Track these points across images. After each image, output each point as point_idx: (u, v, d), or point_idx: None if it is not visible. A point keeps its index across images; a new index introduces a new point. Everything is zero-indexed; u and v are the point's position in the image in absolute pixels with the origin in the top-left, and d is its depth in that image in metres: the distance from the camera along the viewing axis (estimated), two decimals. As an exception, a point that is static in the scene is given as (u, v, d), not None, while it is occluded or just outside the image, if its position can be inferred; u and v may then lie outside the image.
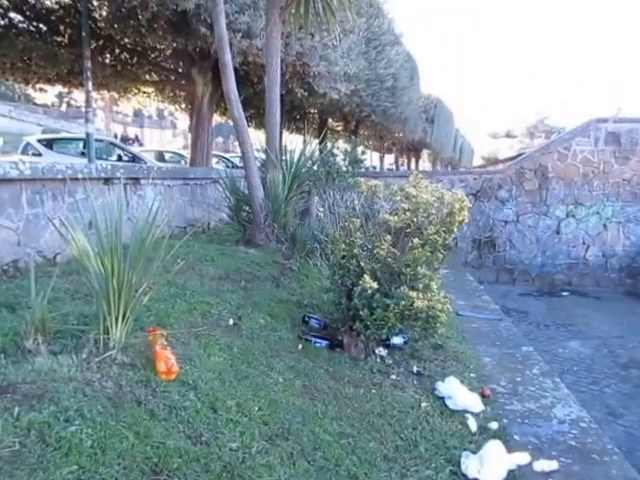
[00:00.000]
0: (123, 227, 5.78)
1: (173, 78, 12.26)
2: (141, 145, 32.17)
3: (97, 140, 11.23)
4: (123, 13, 7.68)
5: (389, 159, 35.16)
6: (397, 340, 4.77)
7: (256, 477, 2.22)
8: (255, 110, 14.85)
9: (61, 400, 2.17)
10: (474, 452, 2.96)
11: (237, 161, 18.78)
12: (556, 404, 3.81)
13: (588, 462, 3.04)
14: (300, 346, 4.15)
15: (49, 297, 3.46)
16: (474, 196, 14.08)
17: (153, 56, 11.16)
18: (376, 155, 28.35)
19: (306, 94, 11.46)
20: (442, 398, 3.70)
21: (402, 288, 4.11)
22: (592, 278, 13.81)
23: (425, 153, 35.52)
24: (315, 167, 5.56)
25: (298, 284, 5.83)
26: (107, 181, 5.09)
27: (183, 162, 16.49)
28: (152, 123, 51.08)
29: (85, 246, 2.81)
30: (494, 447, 2.86)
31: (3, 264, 3.83)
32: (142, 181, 5.80)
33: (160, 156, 17.88)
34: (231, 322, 4.04)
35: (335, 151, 6.02)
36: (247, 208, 6.87)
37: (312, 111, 17.10)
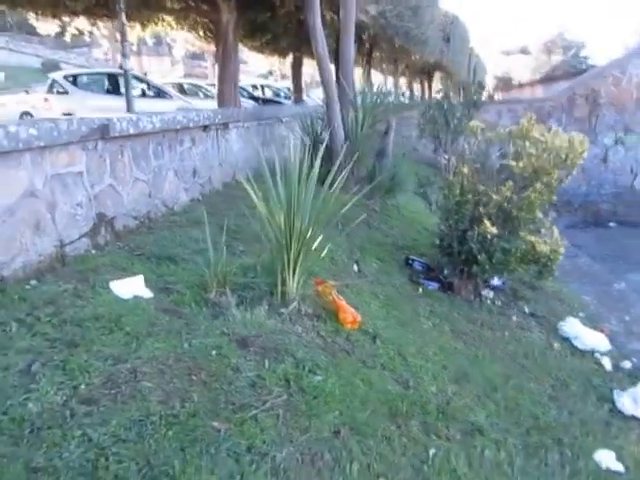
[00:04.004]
0: (216, 172, 5.79)
1: (193, 4, 11.64)
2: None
3: (120, 75, 10.66)
4: None
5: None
6: (497, 282, 4.94)
7: (464, 417, 2.45)
8: (271, 35, 14.23)
9: (294, 352, 2.36)
10: (621, 390, 3.17)
11: (250, 90, 17.86)
12: (675, 343, 4.00)
13: None
14: (420, 290, 4.32)
15: (196, 249, 3.64)
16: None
17: (173, -19, 10.56)
18: (390, 80, 27.35)
19: (335, 17, 10.89)
20: (568, 338, 3.90)
21: (522, 233, 4.21)
22: (638, 207, 13.68)
23: (437, 76, 33.99)
24: (431, 111, 5.47)
25: (386, 225, 5.94)
26: (206, 128, 5.09)
27: (201, 94, 15.58)
28: (149, 51, 48.08)
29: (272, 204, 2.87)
30: (648, 386, 3.07)
31: (140, 216, 3.95)
32: (230, 125, 5.77)
33: (180, 89, 16.94)
34: (356, 268, 4.20)
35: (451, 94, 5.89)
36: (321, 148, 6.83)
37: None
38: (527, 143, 4.11)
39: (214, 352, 2.22)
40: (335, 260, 4.19)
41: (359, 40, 18.06)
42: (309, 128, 6.72)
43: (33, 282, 2.73)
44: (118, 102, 9.83)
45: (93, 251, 3.35)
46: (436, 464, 2.04)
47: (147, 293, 2.85)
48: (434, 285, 4.57)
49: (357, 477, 1.83)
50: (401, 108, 8.05)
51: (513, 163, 4.14)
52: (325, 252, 3.14)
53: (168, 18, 13.86)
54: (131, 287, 2.82)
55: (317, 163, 3.18)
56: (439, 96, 5.97)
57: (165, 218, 4.33)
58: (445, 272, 4.77)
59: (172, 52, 49.58)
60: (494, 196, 4.29)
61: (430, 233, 5.61)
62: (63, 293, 2.63)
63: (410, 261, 4.96)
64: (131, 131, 3.64)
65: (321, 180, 3.27)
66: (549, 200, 4.42)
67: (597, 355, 3.69)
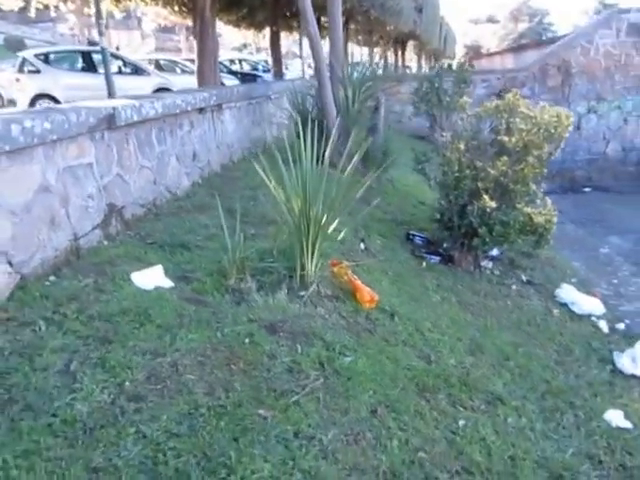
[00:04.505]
0: (214, 155, 5.73)
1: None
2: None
3: (96, 52, 10.31)
4: None
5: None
6: (495, 252, 5.09)
7: (484, 387, 2.59)
8: (248, 9, 13.87)
9: (322, 335, 2.44)
10: (619, 351, 3.37)
11: (228, 64, 17.45)
12: (662, 303, 4.23)
13: None
14: (424, 264, 4.43)
15: (207, 235, 3.65)
16: (497, 96, 13.94)
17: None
18: (365, 50, 27.13)
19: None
20: (565, 304, 4.09)
21: (519, 205, 4.33)
22: (611, 173, 14.21)
23: (410, 45, 34.06)
24: (424, 88, 5.48)
25: (383, 201, 5.98)
26: (202, 110, 5.02)
27: (178, 70, 15.15)
28: (118, 24, 45.94)
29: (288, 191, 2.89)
30: (644, 347, 3.27)
31: (147, 204, 3.92)
32: (223, 106, 5.69)
33: (157, 65, 16.45)
34: (362, 247, 4.27)
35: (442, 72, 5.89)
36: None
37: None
38: (517, 119, 4.20)
39: (247, 340, 2.27)
40: (343, 239, 4.24)
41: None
42: (300, 105, 6.66)
43: (52, 278, 2.72)
44: (94, 80, 9.51)
45: (105, 242, 3.33)
46: (467, 434, 2.17)
47: (167, 283, 2.86)
48: (435, 259, 4.69)
49: (398, 453, 1.94)
50: (386, 81, 8.01)
51: (505, 138, 4.24)
52: (341, 235, 3.18)
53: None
54: (151, 278, 2.83)
55: (328, 150, 3.19)
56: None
57: (170, 204, 4.30)
58: (445, 245, 4.91)
59: (142, 26, 47.28)
60: (491, 171, 4.38)
61: (427, 207, 5.71)
62: (84, 288, 2.63)
63: (411, 236, 5.06)
64: (135, 118, 3.58)
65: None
66: (541, 173, 4.55)
67: (594, 319, 3.89)
